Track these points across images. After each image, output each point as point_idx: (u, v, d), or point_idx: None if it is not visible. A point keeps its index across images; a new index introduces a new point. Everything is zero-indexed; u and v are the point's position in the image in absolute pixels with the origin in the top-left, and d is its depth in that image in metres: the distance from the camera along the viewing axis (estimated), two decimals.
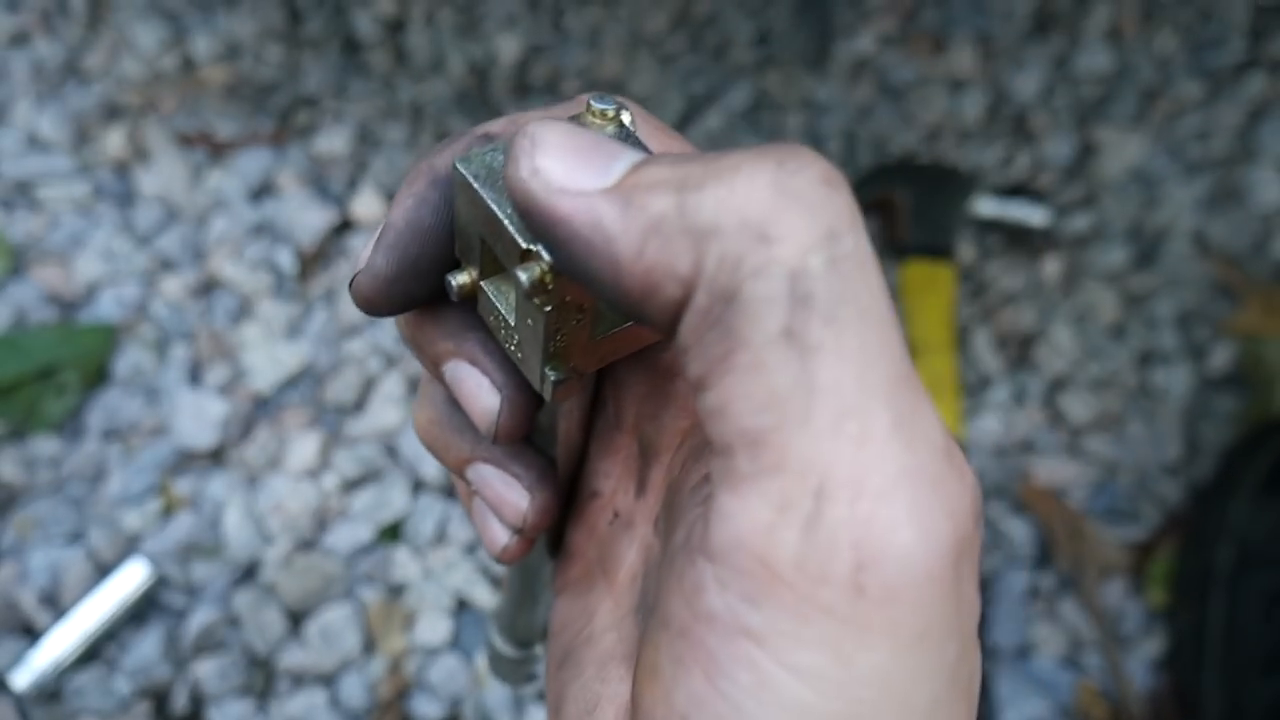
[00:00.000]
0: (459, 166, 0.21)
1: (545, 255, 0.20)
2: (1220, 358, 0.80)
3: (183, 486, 0.70)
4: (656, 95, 0.86)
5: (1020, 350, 0.80)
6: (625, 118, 0.22)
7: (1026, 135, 0.88)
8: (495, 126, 0.23)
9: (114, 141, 0.80)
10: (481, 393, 0.24)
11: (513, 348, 0.23)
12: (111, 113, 0.82)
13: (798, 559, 0.16)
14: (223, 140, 0.82)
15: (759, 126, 0.86)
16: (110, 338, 0.73)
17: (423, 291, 0.23)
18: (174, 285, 0.76)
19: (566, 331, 0.21)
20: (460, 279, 0.22)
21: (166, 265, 0.77)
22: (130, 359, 0.73)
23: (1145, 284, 0.83)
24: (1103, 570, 0.72)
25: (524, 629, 0.33)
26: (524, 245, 0.20)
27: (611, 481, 0.25)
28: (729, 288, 0.16)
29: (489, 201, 0.21)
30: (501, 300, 0.22)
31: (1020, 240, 0.83)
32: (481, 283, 0.22)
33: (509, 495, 0.25)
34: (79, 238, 0.77)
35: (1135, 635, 0.71)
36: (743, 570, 0.16)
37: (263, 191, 0.81)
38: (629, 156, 0.18)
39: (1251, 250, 0.84)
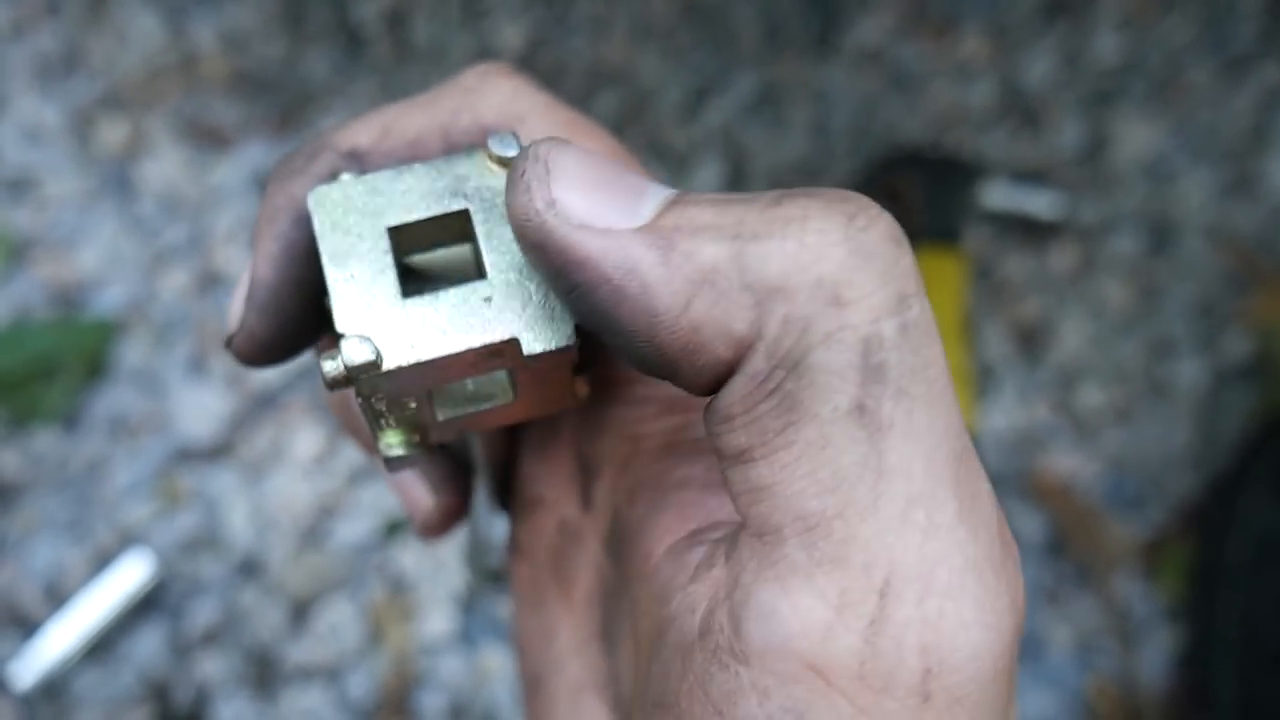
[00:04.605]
0: (311, 206, 0.18)
1: (349, 351, 0.16)
2: (1235, 348, 0.79)
3: (186, 480, 0.69)
4: (661, 86, 0.85)
5: (1031, 341, 0.79)
6: None
7: (1037, 124, 0.87)
8: (363, 138, 0.20)
9: (115, 133, 0.80)
10: (415, 491, 0.23)
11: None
12: (113, 104, 0.82)
13: (859, 666, 0.14)
14: (225, 132, 0.81)
15: (765, 118, 0.85)
16: (108, 332, 0.73)
17: (309, 339, 0.21)
18: (176, 278, 0.75)
19: (398, 416, 0.19)
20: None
21: (169, 258, 0.77)
22: (133, 352, 0.73)
23: (1158, 274, 0.82)
24: (1115, 563, 0.72)
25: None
26: (338, 329, 0.17)
27: (554, 490, 0.23)
28: (795, 354, 0.15)
29: (323, 261, 0.17)
30: None
31: (1031, 230, 0.82)
32: None
33: (414, 491, 0.24)
34: (80, 230, 0.77)
35: (1148, 629, 0.70)
36: (790, 678, 0.15)
37: (266, 183, 0.80)
38: (658, 192, 0.16)
39: (1267, 239, 0.83)
